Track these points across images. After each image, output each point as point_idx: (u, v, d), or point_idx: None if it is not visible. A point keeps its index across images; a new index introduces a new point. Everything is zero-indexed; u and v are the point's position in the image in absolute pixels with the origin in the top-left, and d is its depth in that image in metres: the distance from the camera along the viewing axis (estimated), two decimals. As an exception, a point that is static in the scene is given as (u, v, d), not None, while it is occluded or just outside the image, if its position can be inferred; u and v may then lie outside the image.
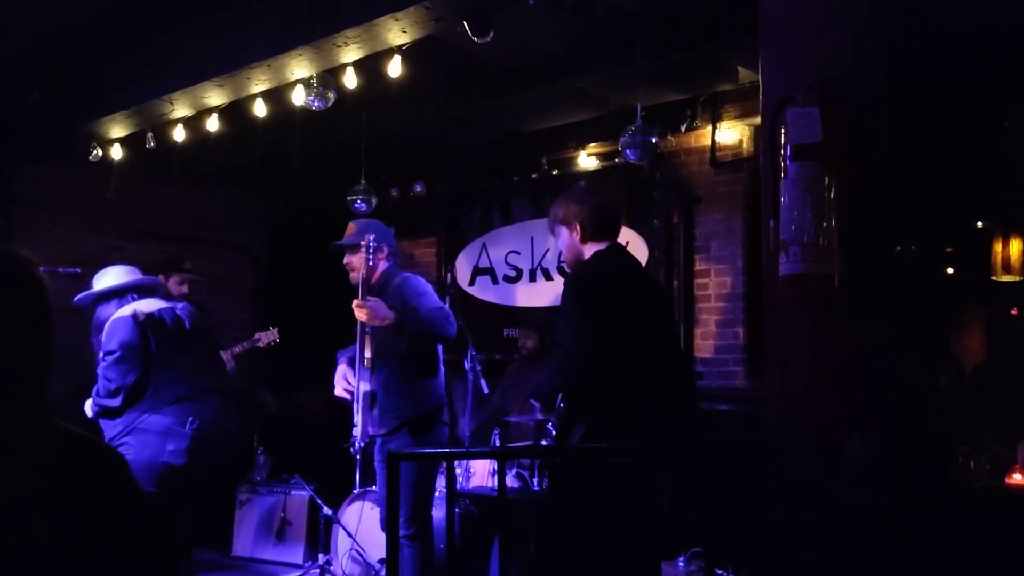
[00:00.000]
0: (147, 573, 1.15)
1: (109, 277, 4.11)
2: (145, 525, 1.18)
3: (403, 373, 3.99)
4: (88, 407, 4.01)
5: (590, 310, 2.99)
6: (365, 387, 4.01)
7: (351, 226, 4.23)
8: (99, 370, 3.94)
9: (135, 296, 4.07)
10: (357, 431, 4.09)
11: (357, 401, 4.09)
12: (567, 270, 3.40)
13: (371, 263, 4.00)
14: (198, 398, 3.96)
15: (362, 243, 3.95)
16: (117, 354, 3.88)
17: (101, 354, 3.97)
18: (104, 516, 1.14)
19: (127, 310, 3.98)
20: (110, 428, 3.94)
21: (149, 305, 4.04)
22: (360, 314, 3.83)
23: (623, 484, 2.94)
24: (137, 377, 3.88)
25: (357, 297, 3.89)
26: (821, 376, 2.23)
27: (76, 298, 4.07)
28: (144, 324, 3.94)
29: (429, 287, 4.14)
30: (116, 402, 3.88)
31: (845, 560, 2.17)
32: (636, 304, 3.10)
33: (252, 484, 6.09)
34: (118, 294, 4.05)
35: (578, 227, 3.21)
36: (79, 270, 4.28)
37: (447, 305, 4.20)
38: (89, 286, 4.10)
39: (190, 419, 3.89)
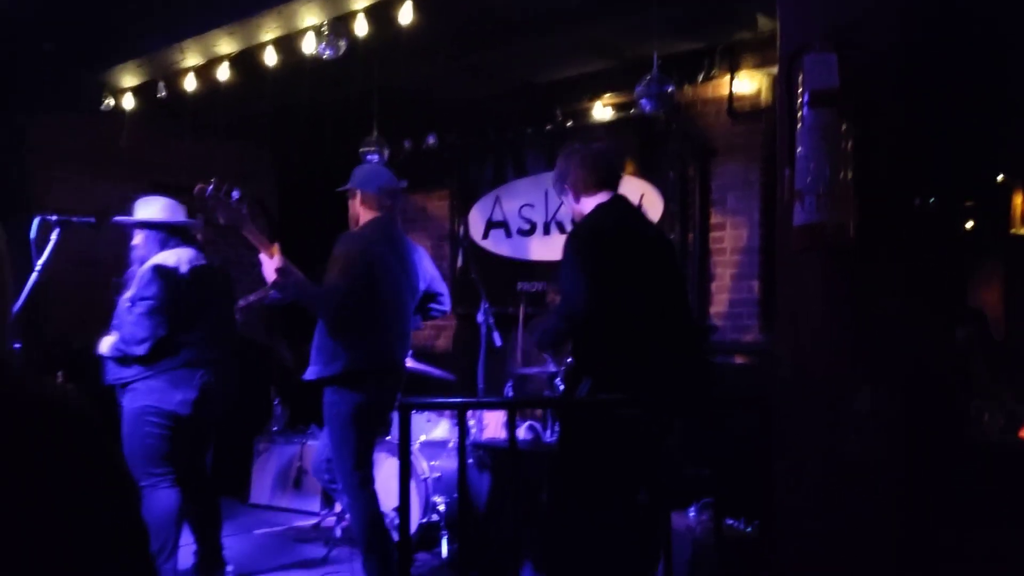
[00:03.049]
0: (111, 550, 0.98)
1: (153, 209, 3.97)
2: (112, 498, 1.00)
3: (320, 331, 3.78)
4: (105, 345, 3.84)
5: (588, 262, 3.00)
6: None
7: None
8: (128, 313, 3.77)
9: (177, 241, 3.96)
10: None
11: None
12: None
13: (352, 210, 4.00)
14: (209, 358, 3.90)
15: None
16: (153, 303, 3.74)
17: (130, 295, 3.80)
18: (58, 486, 0.94)
19: (172, 258, 3.86)
20: (117, 371, 3.83)
21: (192, 257, 3.94)
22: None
23: (630, 434, 2.95)
24: (168, 331, 3.77)
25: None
26: (832, 328, 2.21)
27: (115, 218, 3.96)
28: (185, 279, 3.84)
29: (345, 251, 3.76)
30: (142, 350, 3.73)
31: (849, 513, 2.17)
32: (635, 254, 3.09)
33: (270, 434, 6.18)
34: (160, 230, 3.94)
35: (568, 186, 3.26)
36: (93, 219, 4.25)
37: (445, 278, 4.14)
38: (130, 213, 3.97)
39: (200, 372, 3.85)
